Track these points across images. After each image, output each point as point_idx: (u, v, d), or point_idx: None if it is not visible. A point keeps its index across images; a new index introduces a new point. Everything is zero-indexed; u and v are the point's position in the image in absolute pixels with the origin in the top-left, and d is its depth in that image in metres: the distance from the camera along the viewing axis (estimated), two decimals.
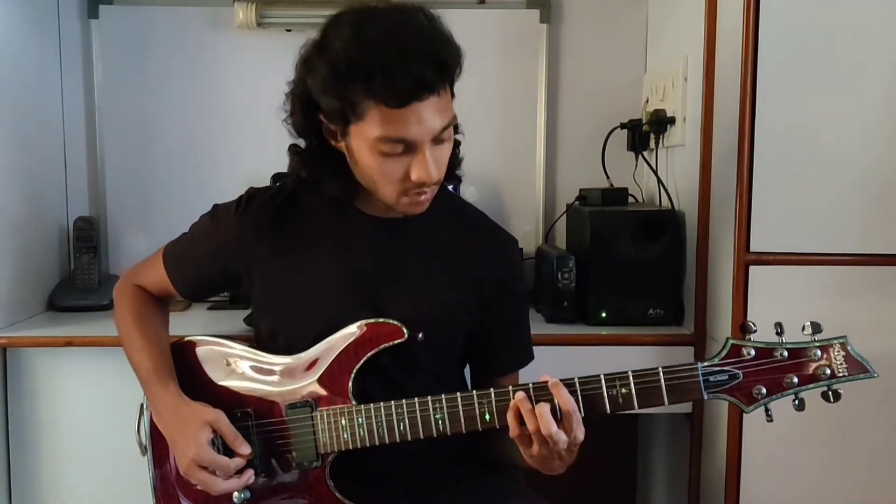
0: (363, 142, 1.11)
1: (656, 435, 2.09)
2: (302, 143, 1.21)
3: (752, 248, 1.48)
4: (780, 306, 1.47)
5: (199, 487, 1.23)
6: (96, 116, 2.05)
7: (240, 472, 1.19)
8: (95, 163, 2.07)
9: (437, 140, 1.11)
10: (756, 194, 1.46)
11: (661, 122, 1.86)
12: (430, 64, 1.04)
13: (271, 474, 1.23)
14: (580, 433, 1.07)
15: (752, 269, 1.48)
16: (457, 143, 1.23)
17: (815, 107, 1.44)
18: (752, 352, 1.06)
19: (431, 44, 1.06)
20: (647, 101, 2.01)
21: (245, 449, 1.19)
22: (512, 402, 1.08)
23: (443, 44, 1.08)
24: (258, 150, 2.03)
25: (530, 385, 1.09)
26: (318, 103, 1.12)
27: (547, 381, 1.08)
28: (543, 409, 1.05)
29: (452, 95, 1.14)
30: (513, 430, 1.08)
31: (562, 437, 1.05)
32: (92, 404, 1.70)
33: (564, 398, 1.06)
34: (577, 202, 1.95)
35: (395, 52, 1.03)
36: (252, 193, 1.30)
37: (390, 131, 1.07)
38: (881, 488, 1.51)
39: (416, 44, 1.05)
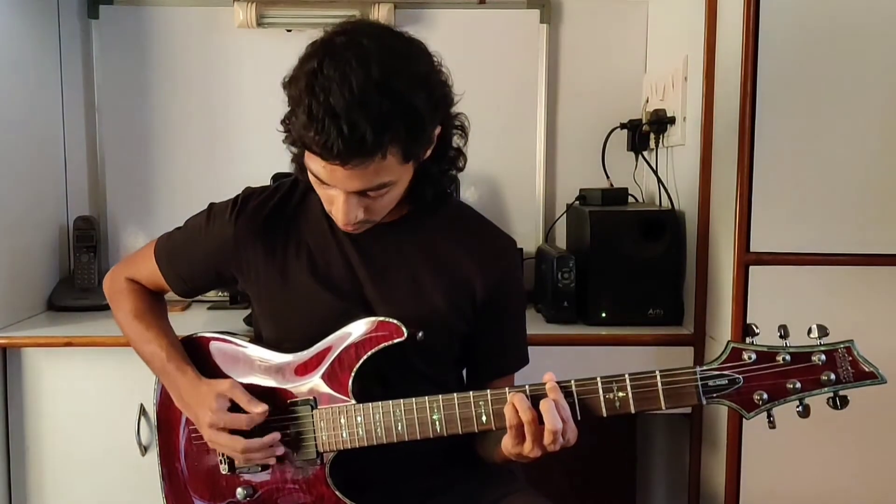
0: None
1: (656, 435, 2.09)
2: None
3: (752, 248, 1.48)
4: (779, 306, 1.47)
5: (223, 468, 1.25)
6: (96, 116, 2.06)
7: (264, 433, 1.19)
8: (95, 163, 2.07)
9: (363, 194, 1.10)
10: (756, 194, 1.46)
11: (661, 122, 1.86)
12: (344, 137, 1.00)
13: (273, 471, 1.23)
14: (572, 437, 1.08)
15: (751, 269, 1.48)
16: (451, 149, 1.21)
17: (815, 106, 1.45)
18: (754, 356, 1.02)
19: (360, 117, 1.00)
20: (647, 101, 2.01)
21: (258, 407, 1.19)
22: (509, 401, 1.08)
23: (376, 119, 1.00)
24: (258, 149, 2.03)
25: (527, 387, 1.09)
26: None
27: (545, 384, 1.08)
28: (549, 404, 1.05)
29: (408, 158, 1.08)
30: (510, 419, 1.08)
31: (559, 438, 1.06)
32: (92, 404, 1.70)
33: (561, 403, 1.06)
34: (577, 202, 1.95)
35: (322, 110, 1.01)
36: (248, 194, 1.30)
37: (312, 167, 1.09)
38: (883, 487, 1.51)
39: (344, 113, 1.00)
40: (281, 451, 1.20)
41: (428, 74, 1.09)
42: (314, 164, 1.08)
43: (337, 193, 1.11)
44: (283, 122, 1.13)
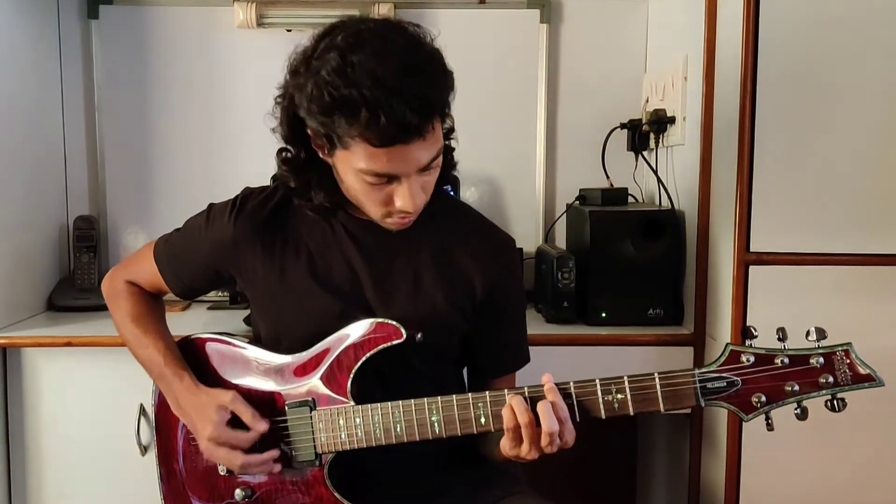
0: (348, 168, 1.10)
1: (656, 435, 2.08)
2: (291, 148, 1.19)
3: (752, 248, 1.48)
4: (779, 306, 1.47)
5: (222, 469, 1.25)
6: (96, 116, 2.06)
7: (264, 450, 1.19)
8: (95, 163, 2.07)
9: (424, 169, 1.10)
10: (756, 194, 1.46)
11: (661, 122, 1.86)
12: (414, 107, 1.00)
13: (272, 473, 1.22)
14: (570, 439, 1.08)
15: (751, 269, 1.48)
16: (450, 149, 1.22)
17: (815, 106, 1.45)
18: (752, 358, 1.02)
19: (417, 83, 1.01)
20: (647, 101, 2.01)
21: (262, 425, 1.19)
22: (507, 403, 1.08)
23: (429, 81, 1.04)
24: (258, 149, 2.01)
25: (525, 388, 1.09)
26: (304, 119, 1.10)
27: (543, 386, 1.08)
28: (546, 406, 1.05)
29: (443, 121, 1.11)
30: (508, 421, 1.08)
31: (556, 440, 1.06)
32: (91, 404, 1.70)
33: (559, 405, 1.06)
34: (577, 202, 1.95)
35: (379, 93, 0.99)
36: (247, 194, 1.30)
37: (374, 166, 1.07)
38: (882, 488, 1.51)
39: (401, 84, 1.00)
40: (279, 467, 1.20)
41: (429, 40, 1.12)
42: (375, 162, 1.06)
43: (399, 184, 1.10)
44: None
